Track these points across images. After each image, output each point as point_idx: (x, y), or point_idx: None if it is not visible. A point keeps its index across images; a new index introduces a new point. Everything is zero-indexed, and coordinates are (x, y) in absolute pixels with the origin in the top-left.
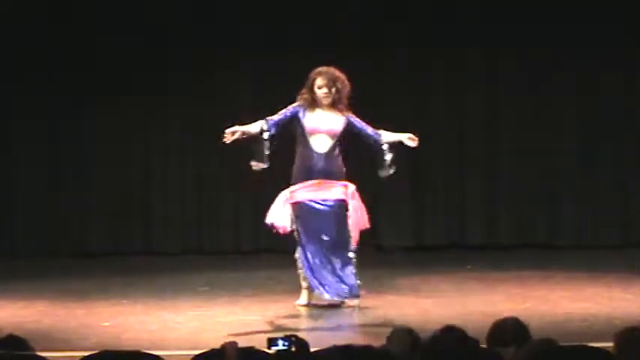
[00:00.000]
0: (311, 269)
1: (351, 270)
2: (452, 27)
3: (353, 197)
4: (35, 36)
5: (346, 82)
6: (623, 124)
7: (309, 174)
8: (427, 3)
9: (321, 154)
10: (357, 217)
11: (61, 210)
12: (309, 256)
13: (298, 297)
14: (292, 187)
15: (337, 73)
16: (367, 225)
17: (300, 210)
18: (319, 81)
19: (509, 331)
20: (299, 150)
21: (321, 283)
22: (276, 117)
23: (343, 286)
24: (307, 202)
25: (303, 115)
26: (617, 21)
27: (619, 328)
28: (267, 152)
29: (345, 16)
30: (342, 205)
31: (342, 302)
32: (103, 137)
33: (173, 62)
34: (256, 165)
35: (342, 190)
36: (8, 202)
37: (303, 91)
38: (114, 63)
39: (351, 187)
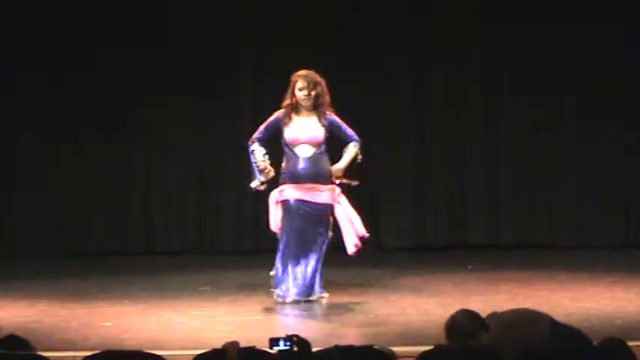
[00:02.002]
0: (284, 270)
1: (314, 271)
2: (450, 24)
3: (339, 201)
4: (35, 36)
5: (326, 88)
6: (623, 124)
7: (296, 177)
8: (426, 2)
9: (306, 158)
10: (347, 220)
11: (61, 210)
12: (285, 256)
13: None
14: (281, 187)
15: (318, 77)
16: (364, 233)
17: (288, 208)
18: (300, 83)
19: (463, 322)
20: (285, 153)
21: (285, 286)
22: (261, 134)
23: (305, 287)
24: (295, 202)
25: (283, 126)
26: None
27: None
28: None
29: (345, 16)
30: (327, 209)
31: (305, 300)
32: (103, 137)
33: (173, 62)
34: (257, 185)
35: (329, 195)
36: (8, 202)
37: (286, 97)
38: (114, 63)
39: (337, 189)
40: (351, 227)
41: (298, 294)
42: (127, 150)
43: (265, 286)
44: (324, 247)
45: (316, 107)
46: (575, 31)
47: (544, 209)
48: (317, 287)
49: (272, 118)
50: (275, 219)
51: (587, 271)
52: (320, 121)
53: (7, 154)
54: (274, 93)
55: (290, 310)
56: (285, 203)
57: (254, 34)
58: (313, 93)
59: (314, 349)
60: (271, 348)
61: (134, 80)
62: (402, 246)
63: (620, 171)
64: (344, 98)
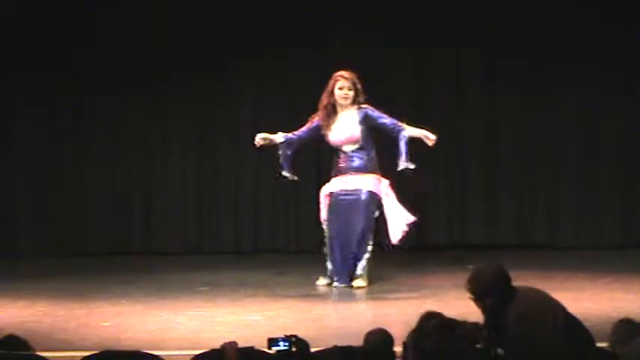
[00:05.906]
0: (333, 260)
1: (364, 258)
2: (451, 24)
3: (387, 194)
4: (35, 35)
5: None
6: (623, 124)
7: (340, 171)
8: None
9: (348, 152)
10: (394, 213)
11: (62, 210)
12: (334, 247)
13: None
14: (330, 182)
15: (356, 77)
16: (410, 218)
17: (333, 200)
18: (340, 83)
19: (488, 278)
20: (333, 150)
21: (337, 274)
22: (295, 134)
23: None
24: (339, 193)
25: (326, 130)
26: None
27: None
28: (282, 162)
29: (345, 15)
30: (372, 197)
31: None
32: (103, 137)
33: (174, 61)
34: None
35: (373, 183)
36: (9, 202)
37: (324, 97)
38: (114, 62)
39: (385, 181)
40: (397, 219)
41: (340, 281)
42: (127, 150)
43: (264, 286)
44: (369, 233)
45: (354, 104)
46: (574, 31)
47: (544, 209)
48: (358, 271)
49: (314, 123)
50: (323, 211)
51: (587, 271)
52: (357, 111)
53: (8, 153)
54: (274, 93)
55: (291, 311)
56: (330, 195)
57: (254, 34)
58: (351, 93)
59: (313, 349)
60: (270, 348)
61: (134, 80)
62: (401, 246)
63: (620, 171)
64: None
